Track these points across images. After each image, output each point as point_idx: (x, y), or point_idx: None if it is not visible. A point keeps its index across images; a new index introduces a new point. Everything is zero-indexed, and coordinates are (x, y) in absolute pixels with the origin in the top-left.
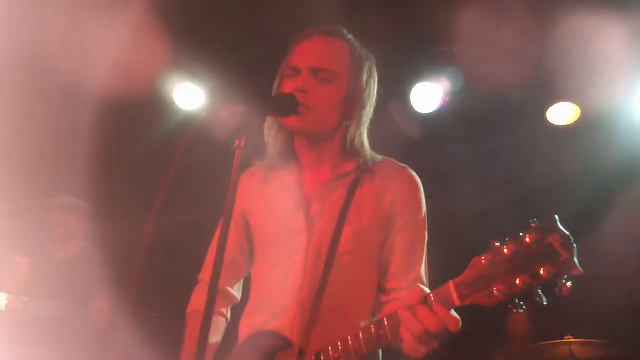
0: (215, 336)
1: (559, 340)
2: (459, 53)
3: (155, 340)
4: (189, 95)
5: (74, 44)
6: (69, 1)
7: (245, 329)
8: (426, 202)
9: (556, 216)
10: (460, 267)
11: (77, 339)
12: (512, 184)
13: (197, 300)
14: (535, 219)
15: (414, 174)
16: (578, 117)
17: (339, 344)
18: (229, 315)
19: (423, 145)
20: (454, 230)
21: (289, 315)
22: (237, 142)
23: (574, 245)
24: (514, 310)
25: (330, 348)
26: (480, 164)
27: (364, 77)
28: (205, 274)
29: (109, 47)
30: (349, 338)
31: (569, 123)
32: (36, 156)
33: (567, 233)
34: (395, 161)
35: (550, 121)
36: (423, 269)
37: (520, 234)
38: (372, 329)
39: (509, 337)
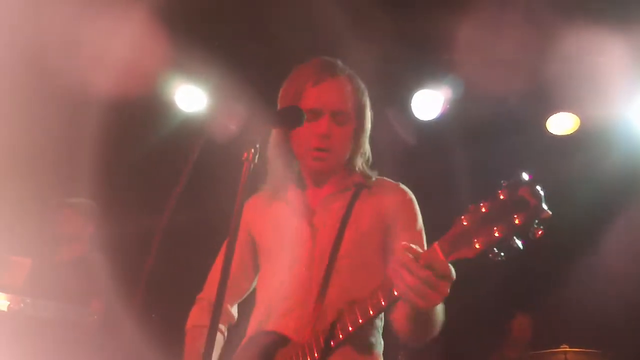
0: (214, 354)
1: (556, 350)
2: (459, 61)
3: (155, 342)
4: (190, 97)
5: (75, 46)
6: (70, 2)
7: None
8: (426, 208)
9: (523, 172)
10: (461, 273)
11: (79, 340)
12: None
13: (197, 317)
14: (504, 180)
15: (406, 188)
16: (578, 127)
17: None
18: (226, 333)
19: (423, 153)
20: None
21: (295, 316)
22: (245, 154)
23: (541, 192)
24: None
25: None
26: (479, 172)
27: (367, 110)
28: (206, 292)
29: (111, 49)
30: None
31: (569, 133)
32: (39, 157)
33: (535, 184)
34: (389, 180)
35: (550, 131)
36: None
37: (494, 194)
38: (379, 293)
39: (510, 341)
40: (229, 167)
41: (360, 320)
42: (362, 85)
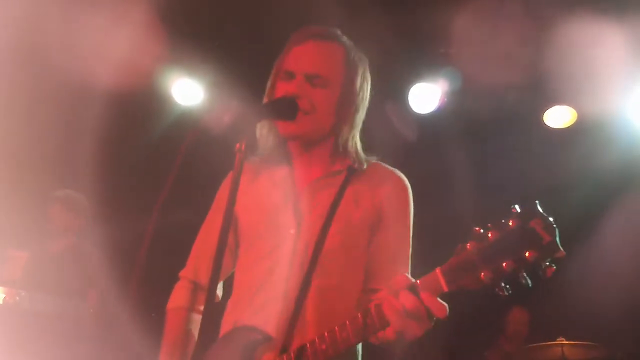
0: (195, 335)
1: (552, 342)
2: (457, 54)
3: (154, 337)
4: (187, 91)
5: (73, 41)
6: None
7: (228, 324)
8: (422, 202)
9: (537, 201)
10: None
11: (74, 333)
12: (509, 186)
13: (178, 297)
14: (516, 205)
15: (403, 177)
16: (575, 120)
17: (326, 334)
18: None
19: (420, 146)
20: (449, 233)
21: (274, 310)
22: (238, 145)
23: (556, 228)
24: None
25: (317, 339)
26: (476, 166)
27: (358, 81)
28: (188, 270)
29: (108, 43)
30: (336, 329)
31: (566, 126)
32: (35, 152)
33: (549, 217)
34: (385, 165)
35: (547, 124)
36: (409, 271)
37: (503, 220)
38: (360, 318)
39: (507, 335)
40: (223, 158)
41: (353, 340)
42: (359, 57)
